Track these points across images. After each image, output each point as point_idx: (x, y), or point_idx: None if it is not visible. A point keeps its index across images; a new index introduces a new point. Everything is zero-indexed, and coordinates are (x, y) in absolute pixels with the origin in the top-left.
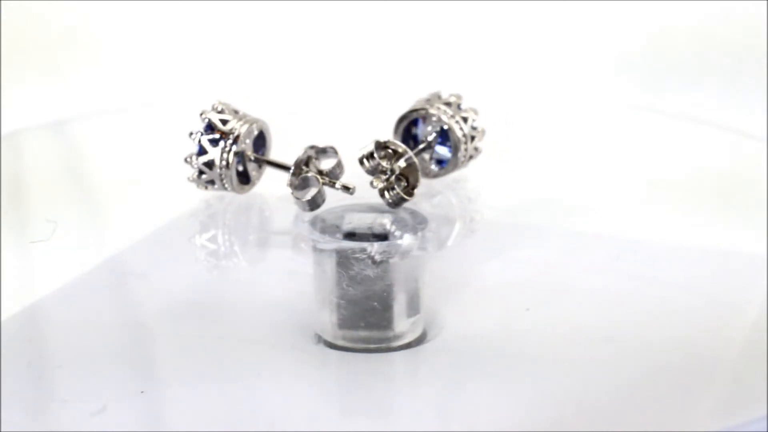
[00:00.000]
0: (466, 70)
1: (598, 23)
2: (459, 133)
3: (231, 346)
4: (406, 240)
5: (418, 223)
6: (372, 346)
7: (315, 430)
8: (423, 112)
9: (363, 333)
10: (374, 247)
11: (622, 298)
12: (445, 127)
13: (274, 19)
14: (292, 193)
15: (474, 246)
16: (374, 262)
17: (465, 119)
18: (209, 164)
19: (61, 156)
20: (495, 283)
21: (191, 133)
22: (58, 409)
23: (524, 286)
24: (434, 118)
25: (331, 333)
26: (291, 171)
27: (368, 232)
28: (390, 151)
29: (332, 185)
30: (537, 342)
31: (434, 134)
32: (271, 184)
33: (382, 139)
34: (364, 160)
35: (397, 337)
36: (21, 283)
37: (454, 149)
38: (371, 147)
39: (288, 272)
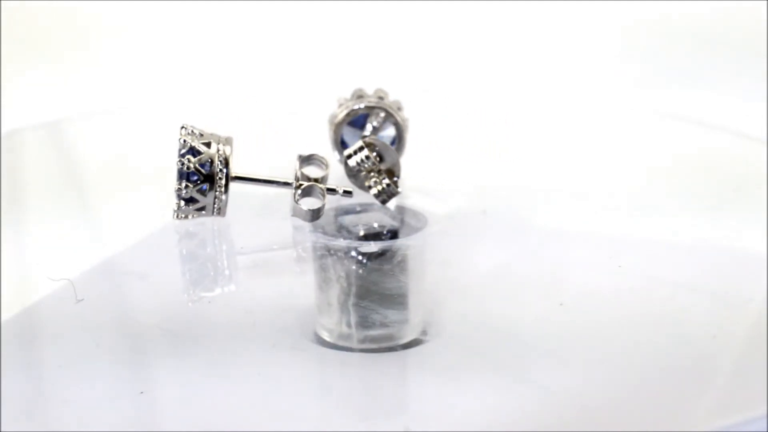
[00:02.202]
0: (466, 70)
1: (597, 23)
2: (402, 123)
3: (232, 347)
4: (416, 236)
5: (417, 220)
6: (382, 345)
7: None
8: (366, 109)
9: (381, 331)
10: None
11: (622, 297)
12: (381, 118)
13: (274, 19)
14: (297, 205)
15: (474, 243)
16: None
17: (399, 109)
18: (203, 191)
19: (61, 156)
20: (494, 279)
21: (179, 160)
22: (58, 409)
23: (523, 284)
24: (382, 113)
25: (351, 335)
26: (294, 185)
27: (380, 230)
28: (372, 149)
29: (333, 192)
30: (535, 341)
31: (374, 128)
32: (237, 201)
33: (367, 138)
34: (353, 155)
35: (404, 335)
36: (21, 283)
37: (399, 138)
38: (360, 143)
39: (302, 279)
